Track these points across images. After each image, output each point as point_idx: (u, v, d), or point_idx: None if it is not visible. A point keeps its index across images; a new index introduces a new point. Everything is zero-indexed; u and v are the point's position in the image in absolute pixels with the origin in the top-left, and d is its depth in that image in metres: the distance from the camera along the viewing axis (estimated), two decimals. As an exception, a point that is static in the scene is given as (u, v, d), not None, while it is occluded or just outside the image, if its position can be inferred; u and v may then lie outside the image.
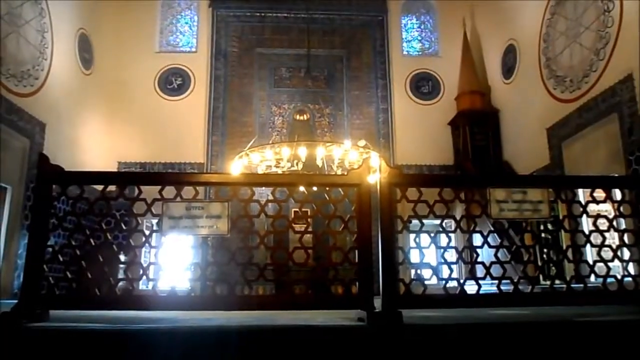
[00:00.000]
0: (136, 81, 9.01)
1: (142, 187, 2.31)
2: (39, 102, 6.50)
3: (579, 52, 6.25)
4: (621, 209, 2.33)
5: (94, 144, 8.19)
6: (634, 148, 5.17)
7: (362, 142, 4.83)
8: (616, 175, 5.36)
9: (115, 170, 8.56)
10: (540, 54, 7.18)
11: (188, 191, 2.23)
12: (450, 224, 2.34)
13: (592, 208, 2.39)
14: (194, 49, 9.46)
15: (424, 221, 2.22)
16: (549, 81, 6.93)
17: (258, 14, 9.50)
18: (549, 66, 6.96)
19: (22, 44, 6.19)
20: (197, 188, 2.22)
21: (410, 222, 2.29)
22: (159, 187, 2.23)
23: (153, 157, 8.71)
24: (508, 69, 8.25)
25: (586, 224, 2.59)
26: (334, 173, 4.83)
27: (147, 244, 2.25)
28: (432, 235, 2.21)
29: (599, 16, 5.86)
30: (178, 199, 2.17)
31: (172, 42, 9.63)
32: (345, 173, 2.27)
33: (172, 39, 9.63)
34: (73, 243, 2.22)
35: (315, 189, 2.32)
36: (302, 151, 4.59)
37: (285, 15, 9.47)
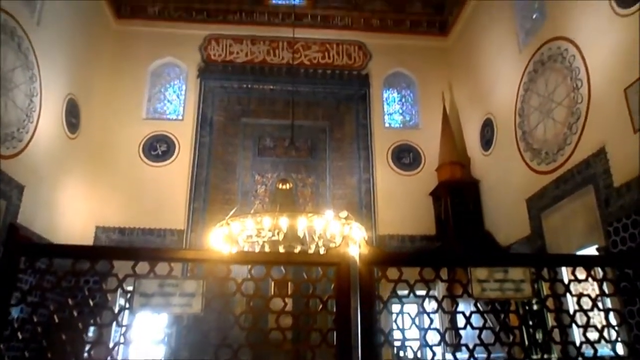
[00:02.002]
0: (121, 146, 9.04)
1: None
2: (20, 164, 6.44)
3: (553, 126, 6.51)
4: (604, 287, 2.31)
5: (72, 207, 8.04)
6: (612, 219, 5.24)
7: (343, 214, 4.83)
8: (596, 247, 5.41)
9: (93, 234, 8.40)
10: (516, 128, 7.46)
11: (163, 266, 2.16)
12: (432, 302, 2.28)
13: (576, 286, 2.36)
14: (180, 117, 9.62)
15: (406, 299, 2.16)
16: (526, 153, 7.14)
17: (245, 86, 9.80)
18: (525, 139, 7.21)
19: (10, 107, 6.22)
20: (172, 264, 2.15)
21: (392, 297, 2.23)
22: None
23: (132, 223, 8.56)
24: (486, 142, 8.52)
25: (571, 303, 2.55)
26: (315, 244, 4.78)
27: (115, 322, 2.13)
28: (413, 317, 2.15)
29: (569, 93, 6.17)
30: (152, 274, 2.09)
31: (160, 109, 9.80)
32: (324, 249, 2.22)
33: (159, 106, 9.82)
34: (35, 319, 2.10)
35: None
36: (284, 221, 4.56)
37: (271, 87, 9.79)
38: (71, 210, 8.00)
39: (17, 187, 6.40)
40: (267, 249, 5.21)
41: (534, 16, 7.36)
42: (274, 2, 10.56)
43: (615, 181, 5.26)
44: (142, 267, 2.15)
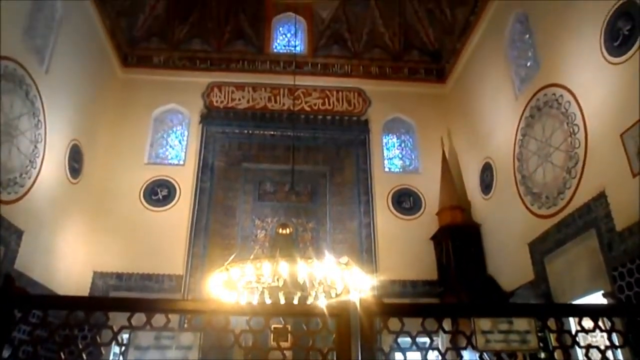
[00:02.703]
0: (122, 191, 9.07)
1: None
2: (20, 209, 6.43)
3: (551, 170, 6.54)
4: (613, 338, 2.24)
5: (71, 252, 7.98)
6: (617, 264, 5.16)
7: (344, 259, 4.78)
8: (602, 292, 5.31)
9: (90, 279, 8.29)
10: (515, 172, 7.49)
11: (159, 316, 2.11)
12: (435, 353, 2.22)
13: (584, 336, 2.29)
14: (181, 162, 9.70)
15: (409, 350, 2.10)
16: (526, 197, 7.14)
17: (246, 132, 9.95)
18: (524, 183, 7.22)
19: (14, 154, 6.28)
20: (170, 315, 2.10)
21: (394, 349, 2.17)
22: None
23: (130, 268, 8.45)
24: (486, 186, 8.54)
25: (580, 355, 2.47)
26: (315, 290, 4.70)
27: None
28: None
29: (566, 138, 6.23)
30: (147, 326, 2.04)
31: (162, 155, 9.91)
32: (325, 296, 2.18)
33: (161, 152, 9.93)
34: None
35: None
36: (284, 267, 4.50)
37: (272, 133, 9.94)
38: (69, 256, 7.93)
39: (16, 233, 6.37)
40: (266, 295, 5.12)
41: (528, 64, 7.57)
42: (275, 51, 10.91)
43: (617, 225, 5.22)
44: (138, 317, 2.10)
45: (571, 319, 3.27)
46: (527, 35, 7.61)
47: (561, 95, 6.40)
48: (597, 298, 5.41)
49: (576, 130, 6.02)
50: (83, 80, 8.42)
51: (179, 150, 9.90)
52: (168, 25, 10.37)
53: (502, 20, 8.18)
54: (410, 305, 3.12)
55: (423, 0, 10.17)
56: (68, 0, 7.71)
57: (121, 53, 10.02)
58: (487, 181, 8.51)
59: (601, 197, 5.48)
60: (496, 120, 8.32)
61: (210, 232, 8.99)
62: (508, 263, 7.63)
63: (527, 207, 7.09)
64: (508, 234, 7.61)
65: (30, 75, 6.68)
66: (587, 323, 2.30)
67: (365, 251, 9.00)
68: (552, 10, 6.71)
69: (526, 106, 7.27)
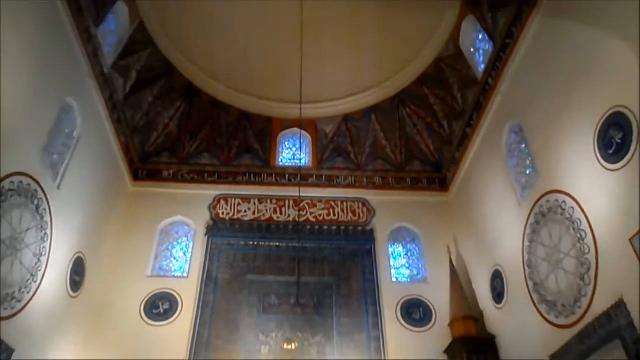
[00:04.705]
0: (122, 305, 8.78)
1: None
2: (14, 326, 6.15)
3: (564, 277, 6.33)
4: None
5: (61, 371, 7.48)
6: (650, 379, 4.78)
7: (353, 377, 4.44)
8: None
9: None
10: (527, 279, 7.26)
11: None
12: None
13: None
14: (185, 274, 9.53)
15: None
16: (541, 306, 6.83)
17: (251, 243, 9.92)
18: (537, 291, 6.96)
19: (16, 267, 6.18)
20: None
21: None
22: None
23: (122, 391, 7.85)
24: (498, 294, 8.23)
25: None
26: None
27: None
28: None
29: (575, 244, 6.13)
30: None
31: (165, 267, 9.76)
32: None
33: (165, 264, 9.80)
34: None
35: None
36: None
37: (277, 244, 9.90)
38: (58, 377, 7.42)
39: (6, 351, 6.03)
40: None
41: (528, 172, 7.75)
42: (281, 164, 11.36)
43: (642, 335, 4.92)
44: None
45: None
46: (523, 145, 7.89)
47: (564, 202, 6.44)
48: (634, 420, 4.91)
49: (584, 235, 5.96)
50: (94, 195, 8.59)
51: (183, 262, 9.78)
52: (179, 141, 10.93)
53: (498, 131, 8.54)
54: None
55: (421, 114, 10.80)
56: (87, 120, 8.19)
57: (133, 168, 10.40)
58: (498, 289, 8.23)
59: (620, 305, 5.24)
60: (502, 226, 8.29)
61: (212, 348, 8.48)
62: (531, 380, 7.05)
63: (543, 317, 6.75)
64: (527, 346, 7.14)
65: (43, 189, 6.83)
66: None
67: (376, 366, 8.39)
68: (544, 121, 7.04)
69: (530, 212, 7.29)
